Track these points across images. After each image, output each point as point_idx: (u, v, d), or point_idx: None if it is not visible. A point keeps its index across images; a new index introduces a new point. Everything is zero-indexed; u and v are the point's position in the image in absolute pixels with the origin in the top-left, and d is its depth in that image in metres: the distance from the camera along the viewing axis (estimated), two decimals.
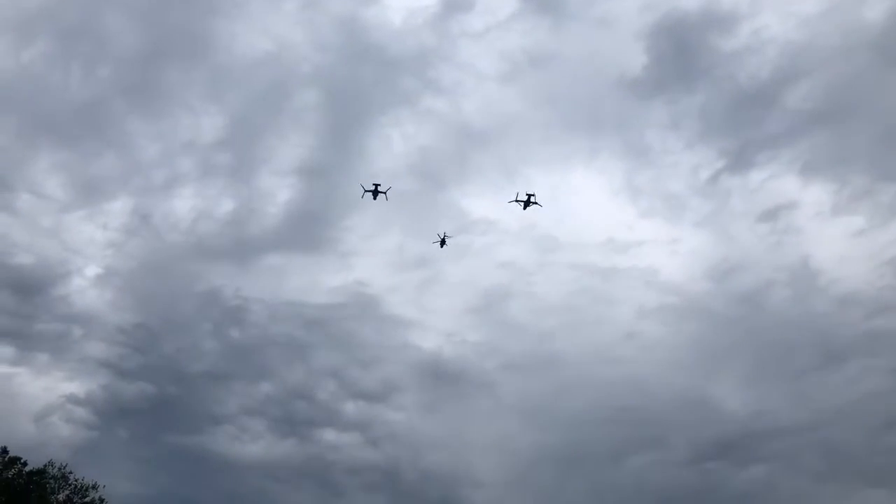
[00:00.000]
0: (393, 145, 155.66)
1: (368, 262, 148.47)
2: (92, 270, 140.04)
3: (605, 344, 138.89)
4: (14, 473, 65.40)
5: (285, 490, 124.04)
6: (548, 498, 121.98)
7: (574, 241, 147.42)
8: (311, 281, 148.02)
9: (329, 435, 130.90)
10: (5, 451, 66.21)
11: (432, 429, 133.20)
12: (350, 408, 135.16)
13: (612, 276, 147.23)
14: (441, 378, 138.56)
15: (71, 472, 68.46)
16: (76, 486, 68.32)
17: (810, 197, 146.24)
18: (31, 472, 66.37)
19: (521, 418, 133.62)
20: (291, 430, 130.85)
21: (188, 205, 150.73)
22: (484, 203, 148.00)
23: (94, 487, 68.98)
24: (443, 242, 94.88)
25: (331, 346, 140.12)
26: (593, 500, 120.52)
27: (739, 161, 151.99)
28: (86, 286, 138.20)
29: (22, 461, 66.45)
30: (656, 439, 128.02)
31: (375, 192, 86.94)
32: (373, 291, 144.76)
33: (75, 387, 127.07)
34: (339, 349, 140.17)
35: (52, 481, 67.39)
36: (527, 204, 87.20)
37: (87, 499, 68.61)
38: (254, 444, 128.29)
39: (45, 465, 67.73)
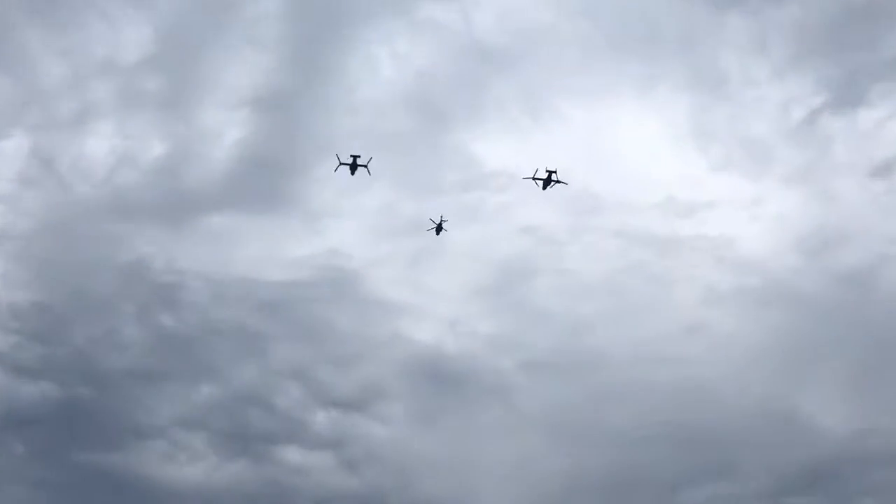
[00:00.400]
0: (381, 69, 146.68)
1: (346, 225, 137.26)
2: None
3: (661, 338, 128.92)
4: None
5: None
6: None
7: (621, 200, 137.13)
8: (269, 250, 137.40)
9: (292, 454, 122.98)
10: None
11: (428, 447, 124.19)
12: (320, 419, 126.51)
13: (671, 248, 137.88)
14: (441, 381, 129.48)
15: None
16: None
17: None
18: None
19: (546, 434, 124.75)
20: (242, 447, 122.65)
21: (105, 146, 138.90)
22: (502, 148, 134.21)
23: None
24: (439, 229, 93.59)
25: (294, 338, 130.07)
26: None
27: (846, 96, 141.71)
28: None
29: None
30: (726, 465, 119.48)
31: (354, 166, 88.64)
32: (352, 265, 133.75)
33: None
34: (305, 342, 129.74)
35: None
36: (547, 183, 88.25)
37: None
38: (192, 466, 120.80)
39: None
